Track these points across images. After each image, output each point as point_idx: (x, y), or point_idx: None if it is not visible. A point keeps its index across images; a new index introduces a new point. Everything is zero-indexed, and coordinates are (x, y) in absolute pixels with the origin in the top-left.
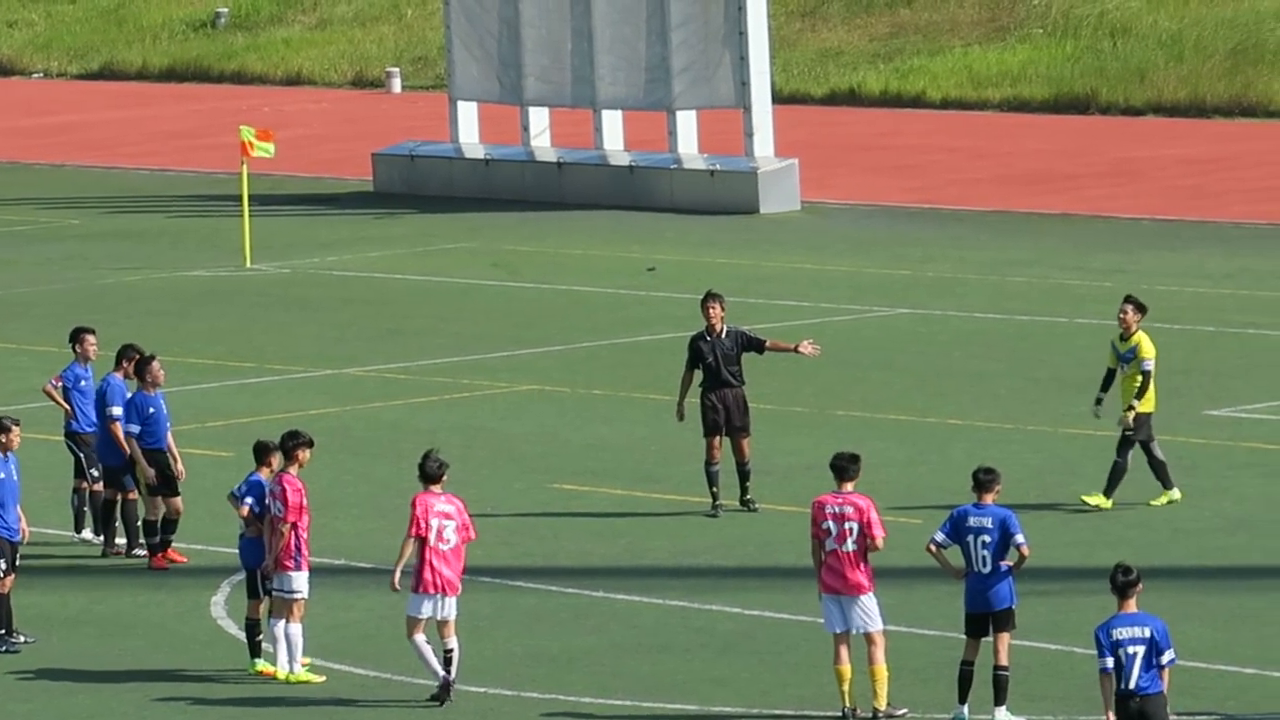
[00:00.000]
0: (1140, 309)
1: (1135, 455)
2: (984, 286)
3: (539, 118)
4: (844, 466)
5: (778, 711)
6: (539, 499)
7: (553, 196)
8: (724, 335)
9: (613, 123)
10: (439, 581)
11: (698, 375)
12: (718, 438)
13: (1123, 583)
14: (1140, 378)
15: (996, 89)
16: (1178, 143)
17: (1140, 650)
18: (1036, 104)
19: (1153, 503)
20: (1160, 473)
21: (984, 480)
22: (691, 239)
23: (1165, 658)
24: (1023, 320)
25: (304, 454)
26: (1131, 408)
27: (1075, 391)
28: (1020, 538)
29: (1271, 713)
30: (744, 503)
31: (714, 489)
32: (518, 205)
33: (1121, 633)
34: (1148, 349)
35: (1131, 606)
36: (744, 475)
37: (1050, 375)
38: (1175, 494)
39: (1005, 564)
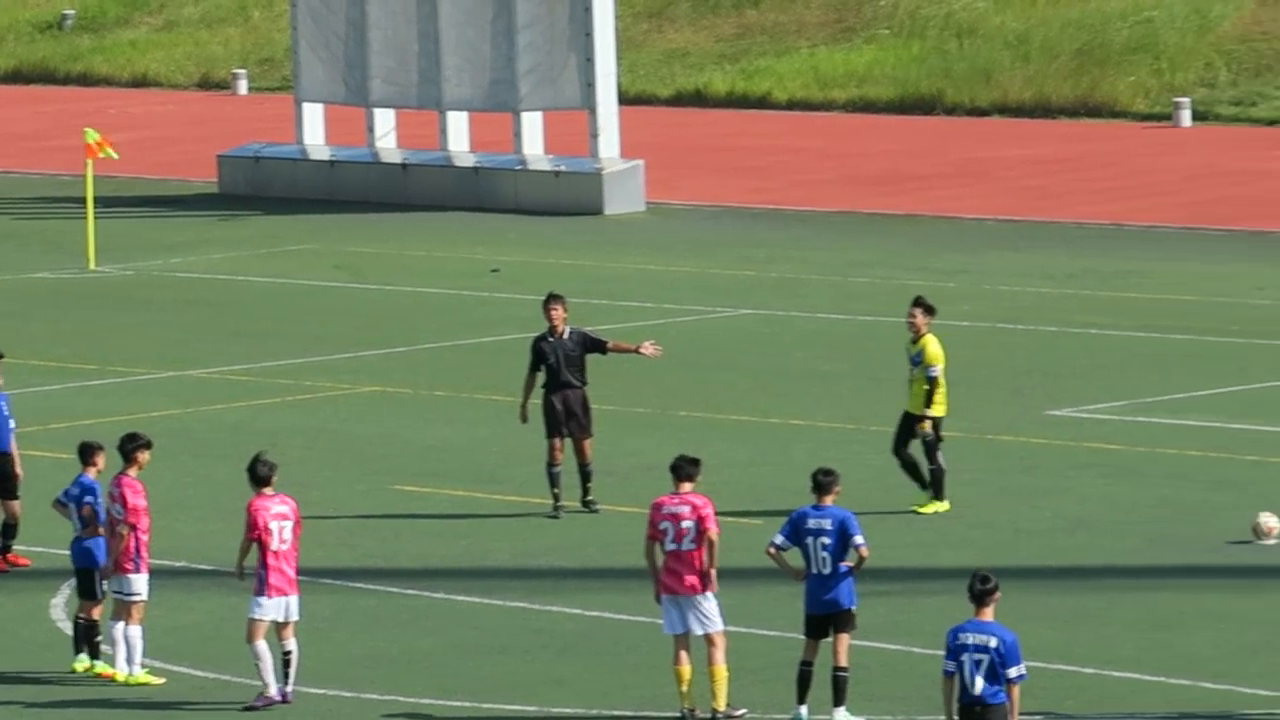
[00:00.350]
0: (929, 311)
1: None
2: (828, 287)
3: (384, 119)
4: (682, 468)
5: (618, 712)
6: (380, 500)
7: (398, 198)
8: (566, 336)
9: (458, 124)
10: (282, 583)
11: (540, 376)
12: (559, 439)
13: (979, 591)
14: (927, 383)
15: (843, 90)
16: (1023, 143)
17: (984, 659)
18: (882, 105)
19: (920, 510)
20: (937, 481)
21: (823, 482)
22: (536, 240)
23: (1012, 672)
24: (866, 321)
25: (143, 456)
26: (925, 418)
27: None
28: (859, 539)
29: (1110, 712)
30: (585, 504)
31: (555, 490)
32: (363, 207)
33: (968, 638)
34: (934, 353)
35: (986, 615)
36: (585, 476)
37: (893, 376)
38: (944, 506)
39: (845, 565)
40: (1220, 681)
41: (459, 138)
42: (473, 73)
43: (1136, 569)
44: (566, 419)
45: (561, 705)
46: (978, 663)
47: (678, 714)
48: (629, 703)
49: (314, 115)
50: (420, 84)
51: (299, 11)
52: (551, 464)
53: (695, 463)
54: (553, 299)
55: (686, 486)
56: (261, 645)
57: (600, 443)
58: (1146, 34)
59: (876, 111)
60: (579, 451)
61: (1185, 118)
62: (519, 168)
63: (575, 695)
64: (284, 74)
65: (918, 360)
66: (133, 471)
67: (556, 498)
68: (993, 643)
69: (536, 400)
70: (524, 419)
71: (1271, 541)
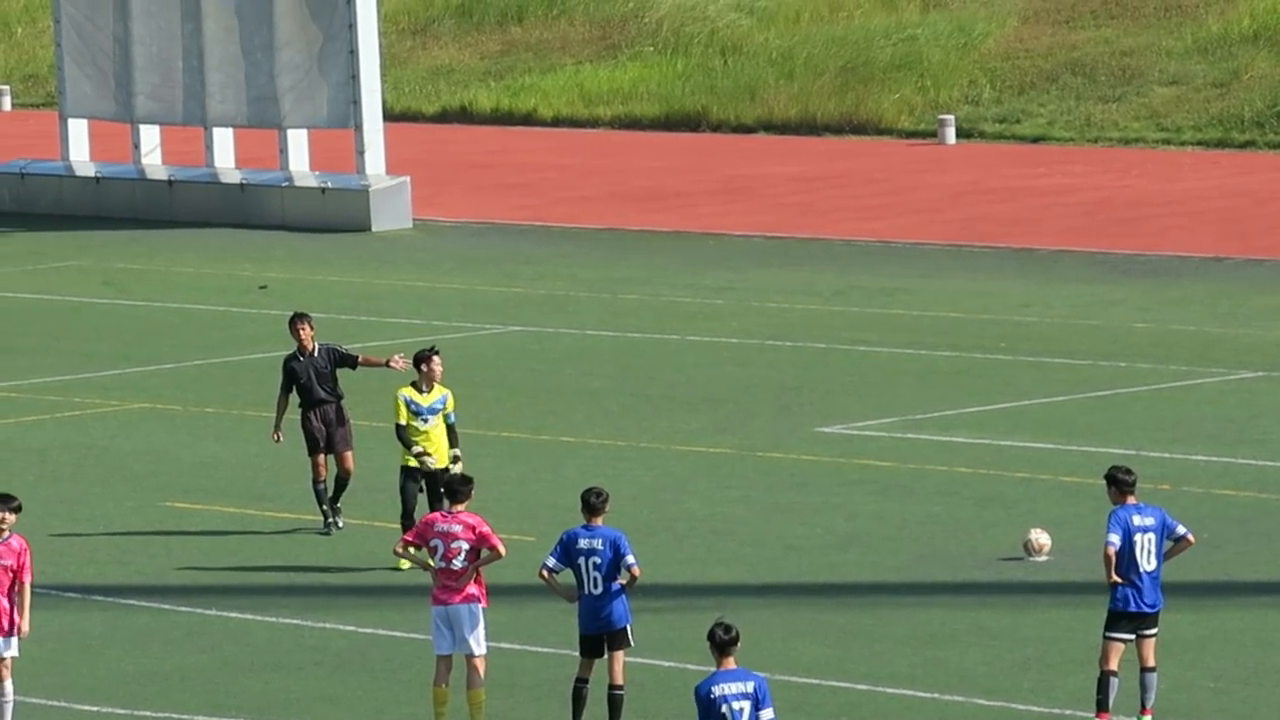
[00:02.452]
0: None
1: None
2: (596, 304)
3: (150, 136)
4: (455, 489)
5: None
6: (151, 517)
7: (164, 214)
8: (316, 354)
9: (224, 141)
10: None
11: (293, 396)
12: (321, 456)
13: (723, 640)
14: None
15: (608, 107)
16: (788, 160)
17: (746, 706)
18: (648, 121)
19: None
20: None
21: (594, 503)
22: (303, 257)
23: (765, 715)
24: (634, 337)
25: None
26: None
27: (687, 409)
28: (631, 559)
29: None
30: (333, 509)
31: (323, 507)
32: (129, 223)
33: (727, 688)
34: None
35: (731, 663)
36: (342, 485)
37: (662, 392)
38: None
39: (618, 584)
40: (993, 698)
41: (225, 154)
42: (237, 89)
43: (908, 585)
44: (326, 435)
45: None
46: (742, 710)
47: None
48: (404, 719)
49: (79, 131)
50: (185, 100)
51: (64, 28)
52: (316, 481)
53: (468, 482)
54: (299, 318)
55: (459, 506)
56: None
57: (371, 459)
58: (910, 52)
59: (642, 128)
60: (341, 464)
61: (950, 135)
62: (285, 184)
63: (348, 712)
64: (48, 90)
65: (437, 408)
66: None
67: (325, 515)
68: (750, 687)
69: (295, 416)
70: (278, 439)
71: (1042, 558)
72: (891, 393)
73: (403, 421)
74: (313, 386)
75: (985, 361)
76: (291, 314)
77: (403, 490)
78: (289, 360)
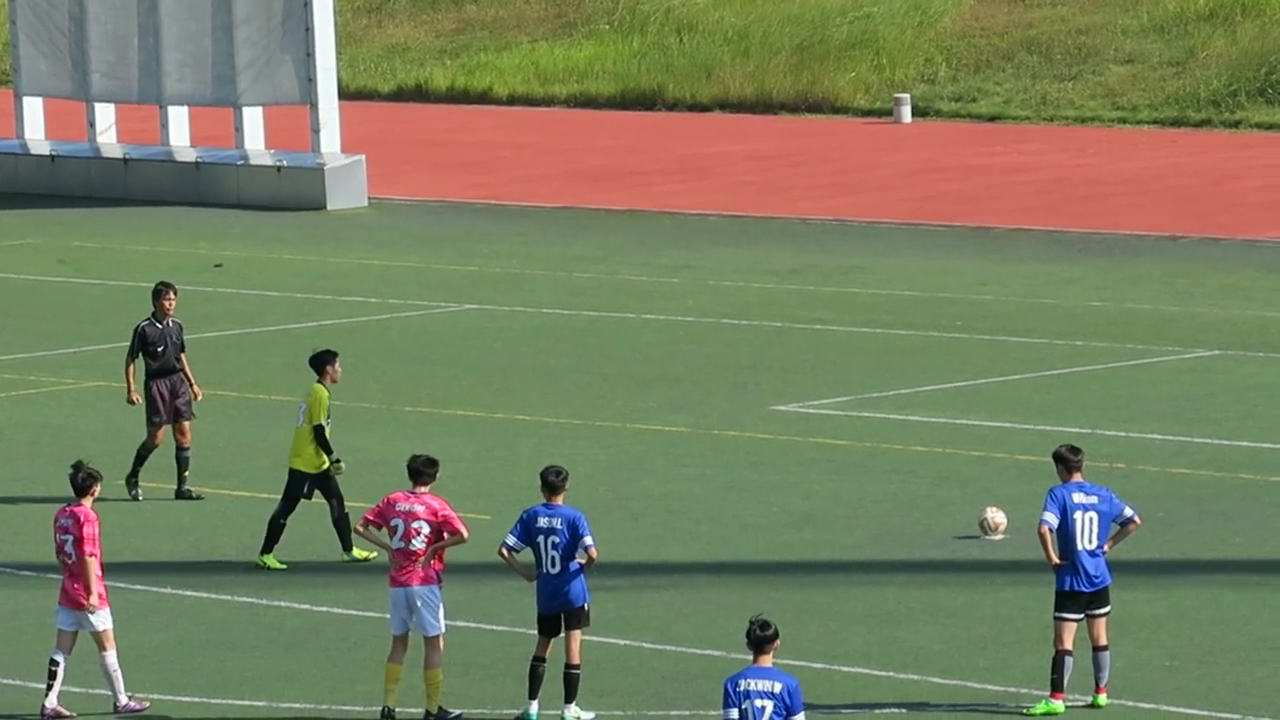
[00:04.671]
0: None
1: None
2: (551, 282)
3: (105, 114)
4: (419, 470)
5: (346, 707)
6: (106, 495)
7: (119, 193)
8: (171, 325)
9: (179, 119)
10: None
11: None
12: (163, 428)
13: (759, 638)
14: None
15: (563, 85)
16: (744, 139)
17: (769, 705)
18: (603, 100)
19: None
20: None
21: (553, 482)
22: (259, 235)
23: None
24: (590, 316)
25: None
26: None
27: (643, 387)
28: (589, 540)
29: (838, 704)
30: (182, 494)
31: (138, 469)
32: (84, 201)
33: (751, 684)
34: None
35: (766, 661)
36: (184, 464)
37: (618, 371)
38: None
39: (576, 563)
40: (948, 677)
41: (180, 133)
42: (194, 67)
43: (863, 564)
44: (173, 403)
45: (290, 700)
46: (764, 709)
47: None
48: (357, 698)
49: (34, 109)
50: (141, 78)
51: (18, 5)
52: (149, 448)
53: (432, 464)
54: (167, 286)
55: (423, 488)
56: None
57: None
58: (866, 30)
59: (597, 107)
60: (181, 434)
61: (906, 114)
62: (241, 163)
63: (304, 690)
64: (3, 68)
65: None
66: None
67: (135, 478)
68: (778, 688)
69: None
70: (133, 401)
71: (998, 536)
72: (847, 371)
73: (324, 423)
74: (168, 355)
75: (941, 340)
76: (160, 283)
77: (295, 497)
78: (145, 326)
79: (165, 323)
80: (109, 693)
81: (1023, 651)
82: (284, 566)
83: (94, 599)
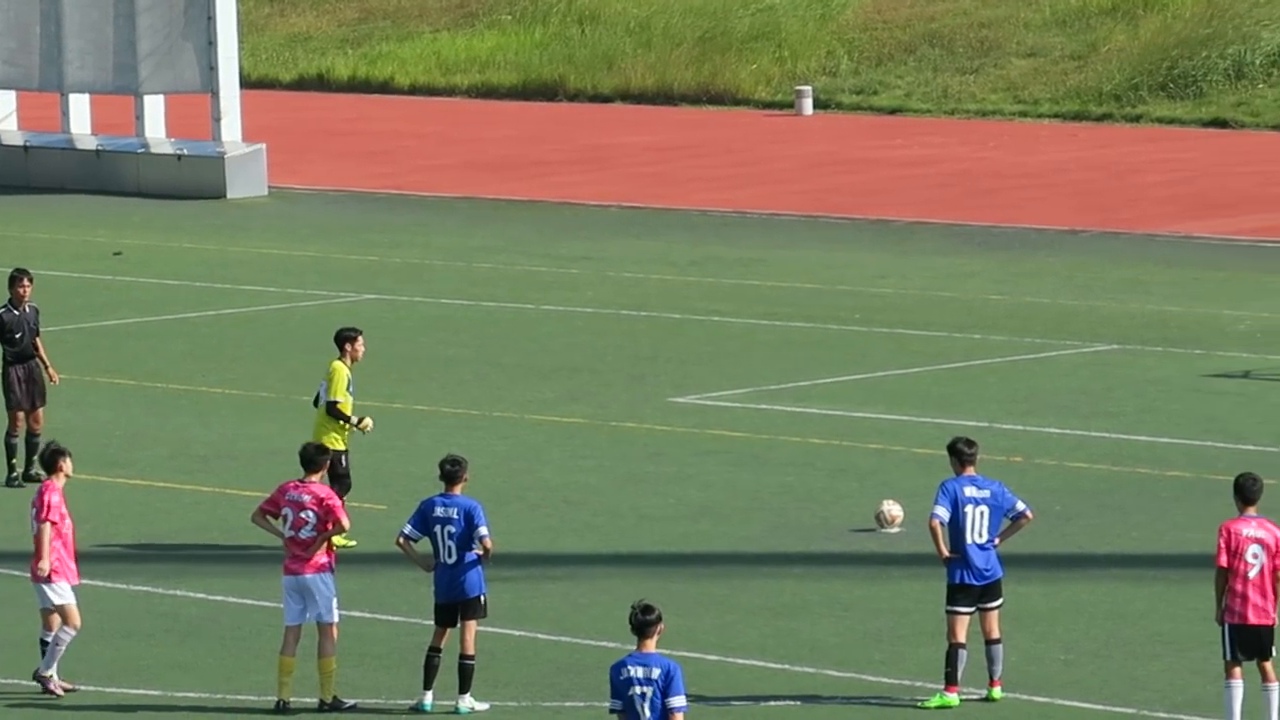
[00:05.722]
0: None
1: None
2: (451, 272)
3: (6, 101)
4: (310, 458)
5: (241, 697)
6: (1, 483)
7: (19, 180)
8: (28, 311)
9: (80, 106)
10: None
11: None
12: (22, 412)
13: (640, 622)
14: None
15: (465, 75)
16: (645, 130)
17: (649, 691)
18: (505, 90)
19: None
20: None
21: (450, 472)
22: (159, 223)
23: (675, 702)
24: (490, 306)
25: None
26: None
27: (541, 378)
28: (484, 530)
29: (733, 696)
30: (29, 477)
31: (13, 460)
32: None
33: (633, 671)
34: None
35: (649, 646)
36: (33, 449)
37: (517, 362)
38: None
39: (473, 554)
40: (844, 669)
41: (81, 120)
42: (96, 55)
43: (760, 556)
44: (29, 390)
45: (185, 689)
46: (644, 696)
47: (276, 700)
48: (252, 687)
49: None
50: (42, 66)
51: None
52: (11, 435)
53: (322, 451)
54: (22, 273)
55: (314, 477)
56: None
57: (225, 427)
58: (768, 22)
59: (499, 97)
60: (35, 420)
61: (807, 106)
62: (141, 151)
63: (199, 680)
64: None
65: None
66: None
67: (13, 468)
68: (655, 673)
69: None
70: None
71: (895, 529)
72: (746, 363)
73: (341, 399)
74: (24, 342)
75: (840, 333)
76: (15, 270)
77: (339, 475)
78: (2, 313)
79: (22, 309)
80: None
81: (918, 644)
82: (354, 544)
83: (43, 565)
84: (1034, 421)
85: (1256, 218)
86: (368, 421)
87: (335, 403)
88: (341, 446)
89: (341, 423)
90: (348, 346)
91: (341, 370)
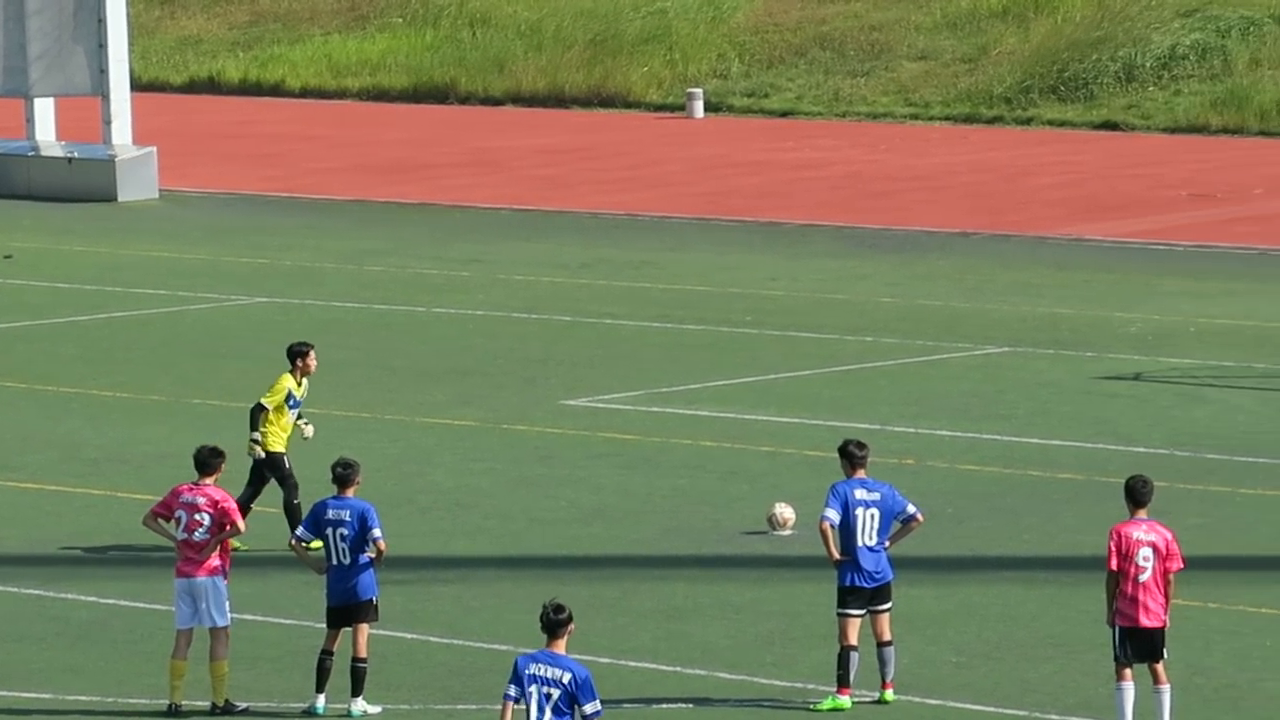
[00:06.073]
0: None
1: None
2: (342, 275)
3: None
4: (204, 461)
5: (133, 700)
6: None
7: None
8: None
9: None
10: None
11: None
12: None
13: (552, 621)
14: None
15: (356, 78)
16: (536, 133)
17: (554, 693)
18: (396, 93)
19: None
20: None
21: (343, 475)
22: (49, 226)
23: (589, 709)
24: (381, 309)
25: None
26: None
27: (432, 381)
28: (377, 532)
29: (625, 699)
30: None
31: None
32: None
33: (541, 670)
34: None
35: (559, 646)
36: None
37: (408, 365)
38: None
39: (365, 557)
40: (736, 672)
41: None
42: None
43: (652, 559)
44: None
45: (76, 693)
46: (547, 696)
47: (168, 705)
48: (144, 691)
49: None
50: None
51: None
52: None
53: (218, 454)
54: None
55: (208, 480)
56: None
57: (116, 430)
58: (660, 25)
59: (390, 100)
60: None
61: (698, 109)
62: (31, 154)
63: (90, 683)
64: None
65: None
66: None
67: None
68: (565, 677)
69: None
70: None
71: (786, 532)
72: (638, 366)
73: (269, 405)
74: None
75: (732, 335)
76: None
77: (284, 477)
78: None
79: None
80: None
81: (810, 647)
82: (246, 547)
83: None
84: (925, 424)
85: (1147, 220)
86: (258, 450)
87: (261, 406)
88: (281, 449)
89: (252, 429)
90: (299, 361)
91: (285, 382)
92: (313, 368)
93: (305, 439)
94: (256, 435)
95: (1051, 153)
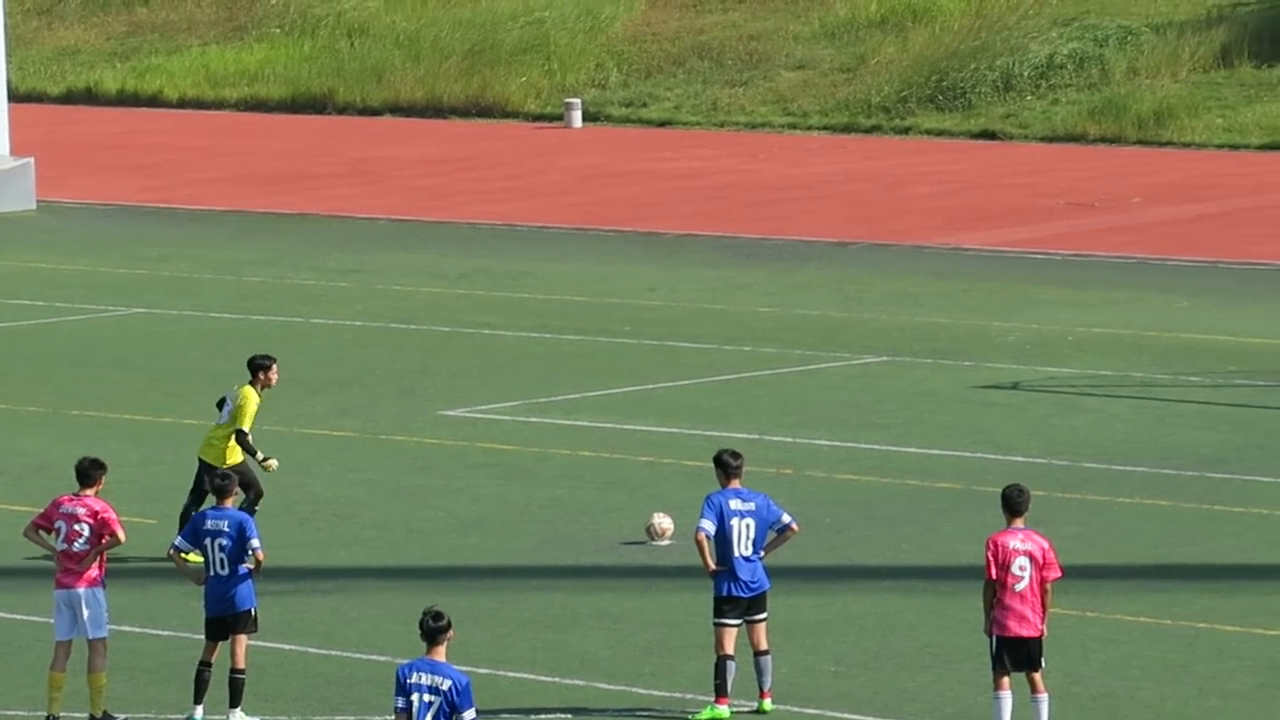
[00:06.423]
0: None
1: None
2: (221, 286)
3: None
4: (84, 472)
5: (11, 712)
6: None
7: None
8: None
9: None
10: None
11: None
12: None
13: (431, 629)
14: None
15: (234, 89)
16: (415, 143)
17: (435, 701)
18: (274, 104)
19: None
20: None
21: (221, 485)
22: None
23: (466, 716)
24: (259, 320)
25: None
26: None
27: (311, 392)
28: (255, 542)
29: (503, 709)
30: None
31: None
32: None
33: (421, 677)
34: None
35: (439, 654)
36: None
37: (286, 375)
38: None
39: (244, 567)
40: (614, 682)
41: None
42: None
43: (530, 569)
44: None
45: None
46: (428, 704)
47: (46, 715)
48: (22, 703)
49: None
50: None
51: None
52: None
53: (98, 466)
54: None
55: (88, 491)
56: None
57: None
58: (538, 35)
59: (268, 110)
60: None
61: (577, 119)
62: None
63: None
64: None
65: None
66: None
67: None
68: (445, 685)
69: None
70: None
71: (665, 542)
72: (516, 376)
73: (248, 428)
74: None
75: (610, 345)
76: None
77: (202, 489)
78: None
79: None
80: None
81: (688, 657)
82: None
83: None
84: (804, 433)
85: (1025, 229)
86: (272, 462)
87: (243, 433)
88: (218, 464)
89: (251, 455)
90: (261, 375)
91: (252, 398)
92: (274, 381)
93: (269, 472)
94: (259, 455)
95: (929, 162)
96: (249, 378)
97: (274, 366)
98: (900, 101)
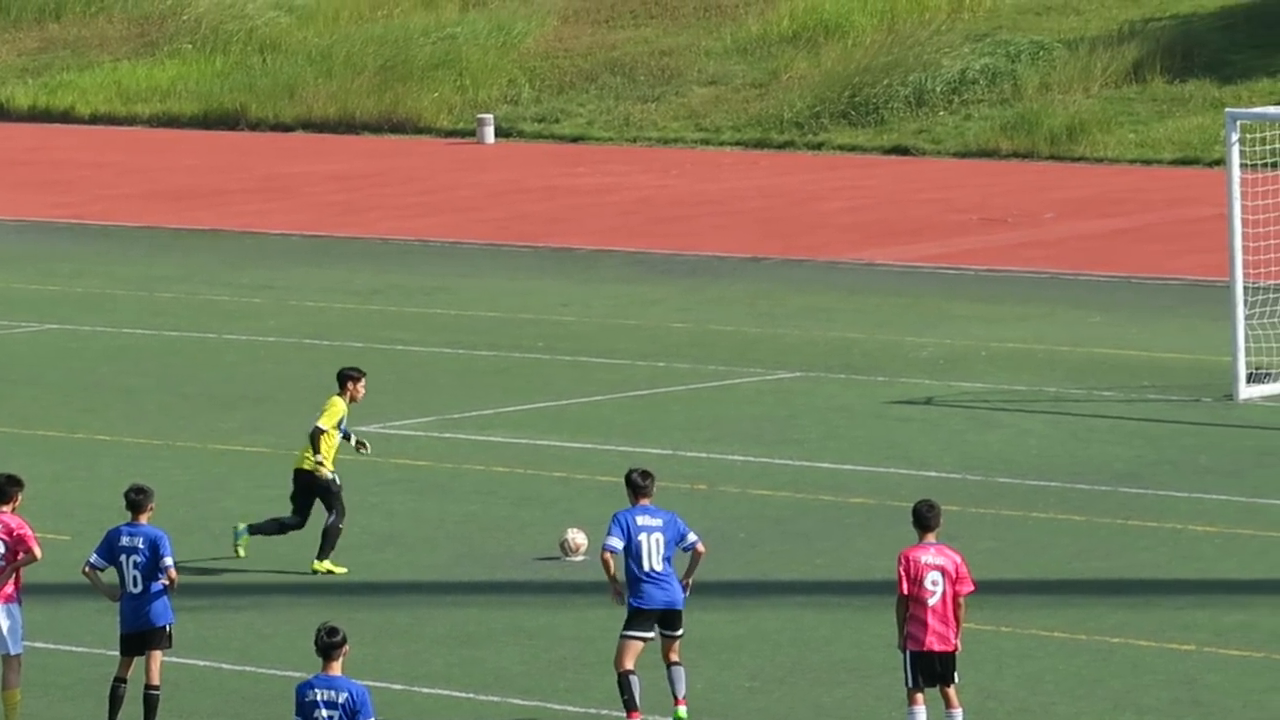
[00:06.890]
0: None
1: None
2: (133, 302)
3: None
4: (1, 488)
5: None
6: None
7: None
8: None
9: None
10: None
11: None
12: None
13: (326, 644)
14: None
15: (146, 104)
16: (327, 159)
17: (334, 715)
18: (186, 120)
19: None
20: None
21: (136, 500)
22: None
23: None
24: (172, 336)
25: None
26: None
27: (224, 408)
28: (168, 560)
29: None
30: None
31: None
32: None
33: (318, 694)
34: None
35: (335, 669)
36: None
37: (200, 391)
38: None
39: (159, 583)
40: (529, 697)
41: None
42: None
43: (445, 585)
44: None
45: None
46: (329, 718)
47: None
48: None
49: None
50: None
51: None
52: None
53: (15, 482)
54: None
55: (5, 507)
56: None
57: None
58: (449, 50)
59: (180, 126)
60: None
61: (489, 134)
62: None
63: None
64: None
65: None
66: None
67: None
68: (342, 697)
69: None
70: None
71: (579, 558)
72: (429, 392)
73: (327, 426)
74: None
75: (524, 361)
76: None
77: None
78: None
79: None
80: None
81: (604, 672)
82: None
83: None
84: (717, 449)
85: (938, 244)
86: (336, 480)
87: (319, 430)
88: (310, 467)
89: (313, 454)
90: (349, 385)
91: (338, 405)
92: (360, 395)
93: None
94: (320, 458)
95: (842, 177)
96: (337, 389)
97: (363, 380)
98: (813, 117)
